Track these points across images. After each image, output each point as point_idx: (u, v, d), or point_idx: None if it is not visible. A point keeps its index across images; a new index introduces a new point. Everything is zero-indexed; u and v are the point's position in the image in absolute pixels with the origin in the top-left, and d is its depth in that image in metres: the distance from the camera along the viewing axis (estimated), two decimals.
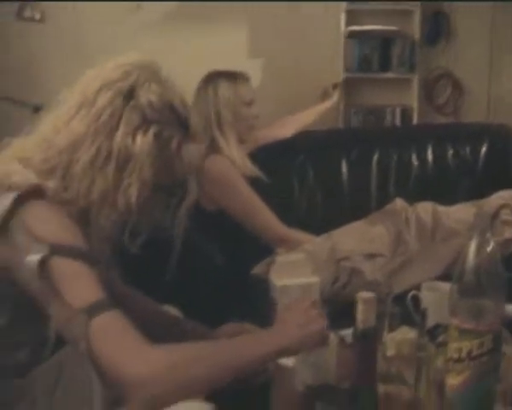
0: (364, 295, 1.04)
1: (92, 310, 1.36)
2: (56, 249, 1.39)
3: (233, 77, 2.97)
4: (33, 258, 1.37)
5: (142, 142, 1.52)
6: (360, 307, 1.03)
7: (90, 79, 1.57)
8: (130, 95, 1.53)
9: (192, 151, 1.65)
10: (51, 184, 1.47)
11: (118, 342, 1.36)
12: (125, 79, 1.54)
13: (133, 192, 1.52)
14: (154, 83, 1.56)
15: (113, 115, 1.51)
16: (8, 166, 1.51)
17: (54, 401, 1.69)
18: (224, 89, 2.93)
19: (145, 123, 1.53)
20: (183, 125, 1.60)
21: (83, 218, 1.54)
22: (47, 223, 1.44)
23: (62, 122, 1.54)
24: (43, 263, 1.37)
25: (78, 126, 1.52)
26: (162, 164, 1.57)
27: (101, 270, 1.48)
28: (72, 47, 3.70)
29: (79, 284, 1.39)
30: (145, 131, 1.52)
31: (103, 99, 1.52)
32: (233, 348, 1.47)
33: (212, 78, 2.97)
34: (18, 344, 1.56)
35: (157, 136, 1.54)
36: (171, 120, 1.57)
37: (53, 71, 3.68)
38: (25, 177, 1.46)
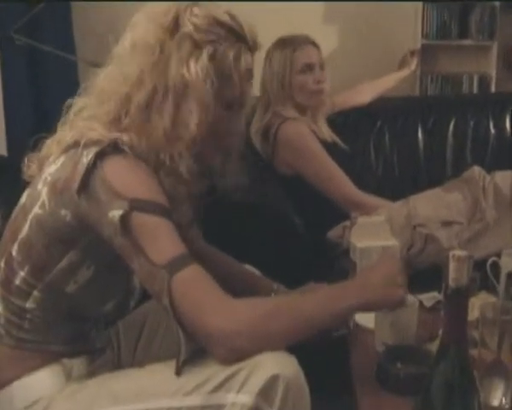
0: (458, 252, 1.03)
1: (174, 265, 1.35)
2: (136, 205, 1.37)
3: (284, 44, 2.91)
4: (114, 214, 1.37)
5: (197, 67, 1.45)
6: (453, 265, 1.02)
7: (136, 23, 1.53)
8: (175, 27, 1.48)
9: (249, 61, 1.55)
10: (125, 137, 1.44)
11: (200, 297, 1.36)
12: (167, 12, 1.49)
13: (194, 119, 1.46)
14: (196, 6, 1.50)
15: (162, 51, 1.47)
16: (80, 124, 1.49)
17: (137, 350, 1.75)
18: (275, 59, 2.90)
19: (197, 48, 1.47)
20: (237, 35, 1.51)
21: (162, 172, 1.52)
22: (126, 178, 1.41)
23: (116, 69, 1.52)
24: (123, 219, 1.36)
25: (131, 70, 1.48)
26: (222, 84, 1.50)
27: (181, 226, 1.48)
28: None
29: (160, 240, 1.38)
30: (198, 57, 1.46)
31: (150, 38, 1.48)
32: (316, 300, 1.45)
33: (270, 49, 2.93)
34: (105, 297, 1.59)
35: (212, 56, 1.47)
36: (223, 36, 1.49)
37: None
38: (100, 132, 1.44)
